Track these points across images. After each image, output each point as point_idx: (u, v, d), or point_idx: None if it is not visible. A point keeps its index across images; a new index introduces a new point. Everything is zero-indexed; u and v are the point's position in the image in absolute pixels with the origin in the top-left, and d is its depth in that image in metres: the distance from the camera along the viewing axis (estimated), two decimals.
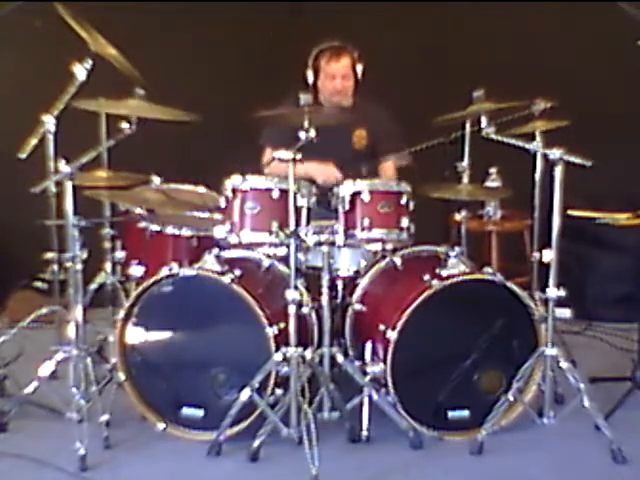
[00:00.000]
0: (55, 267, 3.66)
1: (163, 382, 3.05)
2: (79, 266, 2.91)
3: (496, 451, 2.91)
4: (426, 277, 3.04)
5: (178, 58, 4.85)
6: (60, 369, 3.06)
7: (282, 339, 2.95)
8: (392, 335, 2.96)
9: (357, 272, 3.44)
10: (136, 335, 3.09)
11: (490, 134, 3.06)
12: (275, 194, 3.04)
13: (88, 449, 2.78)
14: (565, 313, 4.52)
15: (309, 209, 3.07)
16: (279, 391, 2.95)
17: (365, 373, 3.08)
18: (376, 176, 3.82)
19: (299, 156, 2.88)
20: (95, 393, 2.94)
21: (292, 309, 2.89)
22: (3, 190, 4.64)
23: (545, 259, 3.04)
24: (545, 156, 3.08)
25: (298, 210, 2.98)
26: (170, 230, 3.44)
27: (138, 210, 3.47)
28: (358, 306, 3.35)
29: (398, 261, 3.36)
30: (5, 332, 3.65)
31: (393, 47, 4.76)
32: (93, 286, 3.60)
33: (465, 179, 3.61)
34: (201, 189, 3.44)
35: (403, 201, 3.15)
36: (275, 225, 3.02)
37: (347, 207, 3.10)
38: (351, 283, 3.44)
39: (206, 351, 3.04)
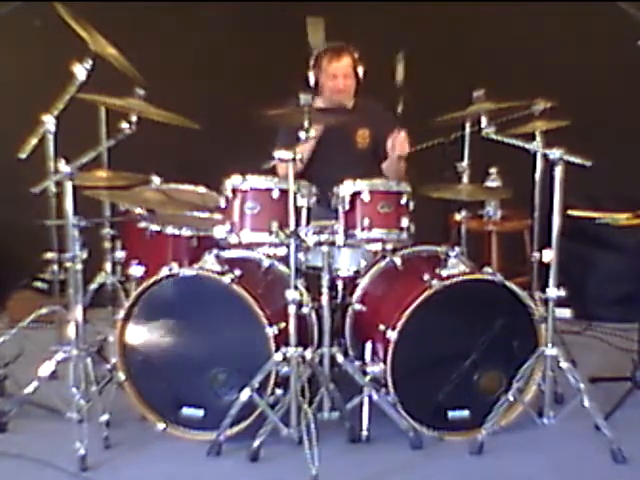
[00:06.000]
0: (55, 267, 3.67)
1: (163, 382, 3.05)
2: (79, 266, 2.91)
3: (496, 451, 2.92)
4: (426, 277, 3.04)
5: (178, 58, 4.85)
6: (60, 369, 3.06)
7: (282, 339, 2.95)
8: (392, 335, 2.96)
9: (357, 272, 3.44)
10: (136, 335, 3.09)
11: (490, 134, 3.06)
12: (275, 194, 3.04)
13: (88, 449, 2.78)
14: (565, 313, 4.53)
15: (309, 209, 3.08)
16: (279, 391, 2.96)
17: (365, 373, 3.08)
18: (381, 174, 3.82)
19: (299, 156, 2.88)
20: (95, 393, 2.94)
21: (292, 309, 2.89)
22: (3, 190, 4.65)
23: (545, 259, 3.05)
24: (545, 156, 3.08)
25: (298, 210, 2.98)
26: (170, 230, 3.44)
27: (138, 210, 3.47)
28: (358, 306, 3.35)
29: (398, 261, 3.36)
30: (5, 332, 3.65)
31: (393, 47, 4.74)
32: (93, 286, 3.61)
33: (465, 179, 3.61)
34: (201, 189, 3.44)
35: (403, 201, 3.15)
36: (275, 225, 3.02)
37: (347, 207, 3.10)
38: (351, 283, 3.44)
39: (206, 351, 3.04)
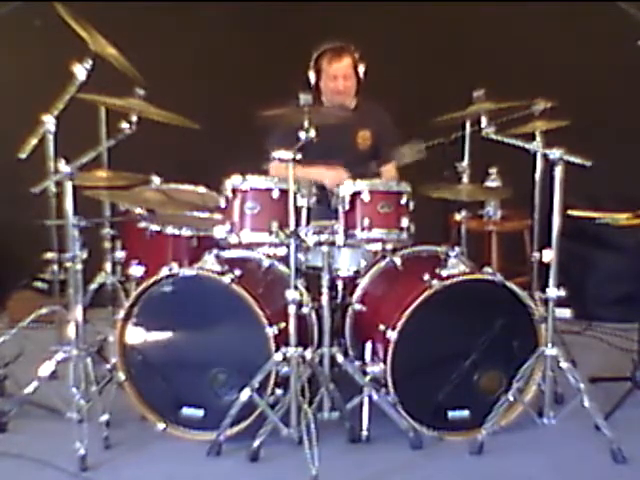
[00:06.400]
0: (55, 267, 3.67)
1: (163, 382, 3.05)
2: (79, 266, 2.91)
3: (496, 451, 2.91)
4: (426, 277, 3.04)
5: (178, 58, 4.85)
6: (60, 369, 3.06)
7: (282, 339, 2.95)
8: (392, 335, 2.96)
9: (357, 272, 3.43)
10: (136, 335, 3.09)
11: (490, 134, 3.06)
12: (275, 194, 3.04)
13: (88, 449, 2.78)
14: (565, 313, 4.53)
15: (309, 209, 3.07)
16: (279, 391, 2.96)
17: (365, 373, 3.08)
18: (378, 177, 3.82)
19: (299, 156, 2.88)
20: (95, 393, 2.95)
21: (292, 309, 2.89)
22: (3, 190, 4.65)
23: (545, 259, 3.05)
24: (545, 156, 3.08)
25: (298, 210, 2.98)
26: (170, 230, 3.44)
27: (138, 210, 3.47)
28: (358, 306, 3.35)
29: (398, 261, 3.36)
30: (5, 332, 3.65)
31: (393, 47, 4.76)
32: (93, 286, 3.61)
33: (465, 179, 3.61)
34: (201, 189, 3.44)
35: (403, 201, 3.15)
36: (275, 225, 3.01)
37: (347, 207, 3.10)
38: (351, 283, 3.44)
39: (206, 351, 3.04)
